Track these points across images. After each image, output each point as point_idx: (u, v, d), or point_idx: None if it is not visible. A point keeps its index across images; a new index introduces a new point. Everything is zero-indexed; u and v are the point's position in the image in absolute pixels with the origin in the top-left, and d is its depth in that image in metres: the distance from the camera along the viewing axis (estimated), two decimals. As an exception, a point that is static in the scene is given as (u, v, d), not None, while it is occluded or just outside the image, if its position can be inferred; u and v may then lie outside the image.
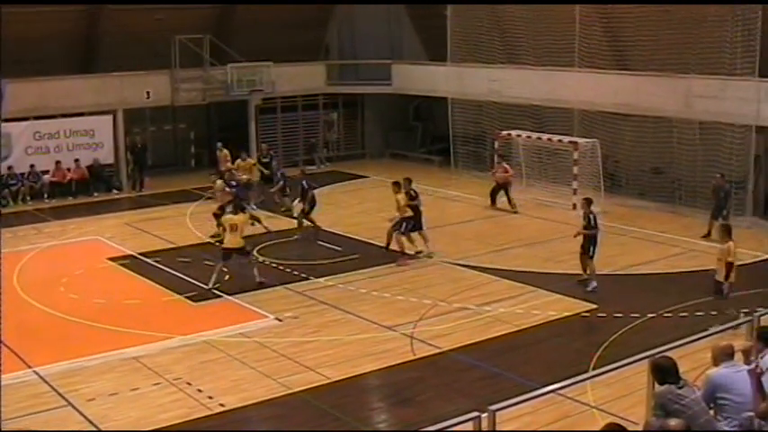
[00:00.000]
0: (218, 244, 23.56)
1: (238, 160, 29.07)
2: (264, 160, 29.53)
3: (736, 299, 16.82)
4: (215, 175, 26.76)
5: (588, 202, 20.36)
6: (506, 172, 27.48)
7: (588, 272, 19.66)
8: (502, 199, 27.44)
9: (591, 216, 19.82)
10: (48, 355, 15.86)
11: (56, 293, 19.68)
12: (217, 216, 23.05)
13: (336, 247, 22.27)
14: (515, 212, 26.81)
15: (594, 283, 19.35)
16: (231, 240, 20.04)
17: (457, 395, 14.04)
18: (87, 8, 31.18)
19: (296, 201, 25.68)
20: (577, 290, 19.19)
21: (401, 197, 21.90)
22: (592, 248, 19.67)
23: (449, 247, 23.02)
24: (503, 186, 27.38)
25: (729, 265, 16.60)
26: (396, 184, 22.17)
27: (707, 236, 23.17)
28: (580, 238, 19.78)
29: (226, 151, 30.24)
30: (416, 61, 36.14)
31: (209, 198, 27.68)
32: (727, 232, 17.04)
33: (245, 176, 27.67)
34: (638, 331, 16.49)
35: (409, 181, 22.56)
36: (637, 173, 28.57)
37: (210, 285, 19.57)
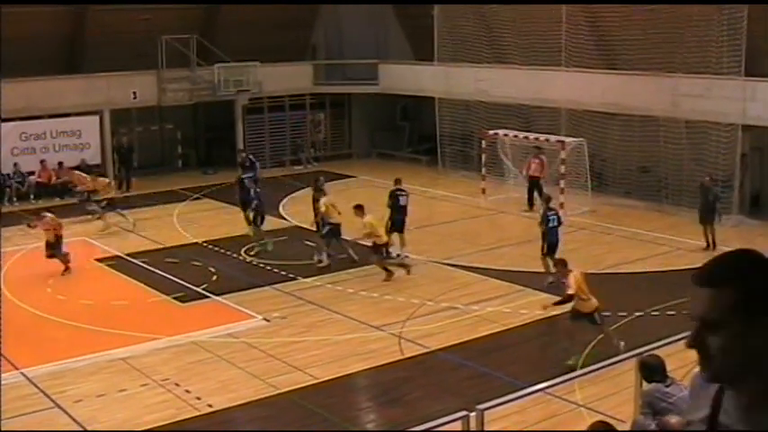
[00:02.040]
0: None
1: (100, 179, 26.98)
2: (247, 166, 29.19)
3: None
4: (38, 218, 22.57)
5: (547, 200, 20.80)
6: (542, 165, 26.72)
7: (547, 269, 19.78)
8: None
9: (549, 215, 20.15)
10: (35, 357, 15.82)
11: (43, 294, 19.62)
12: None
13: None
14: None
15: (551, 279, 19.49)
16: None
17: (445, 394, 14.05)
18: (73, 8, 31.06)
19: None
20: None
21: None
22: (547, 246, 19.91)
23: (436, 247, 23.03)
24: (536, 183, 26.59)
25: (569, 297, 15.48)
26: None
27: (707, 248, 21.94)
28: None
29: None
30: (403, 61, 36.13)
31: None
32: (560, 265, 16.22)
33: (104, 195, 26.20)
34: (626, 330, 16.52)
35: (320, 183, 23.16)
36: (623, 172, 28.63)
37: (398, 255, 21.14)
